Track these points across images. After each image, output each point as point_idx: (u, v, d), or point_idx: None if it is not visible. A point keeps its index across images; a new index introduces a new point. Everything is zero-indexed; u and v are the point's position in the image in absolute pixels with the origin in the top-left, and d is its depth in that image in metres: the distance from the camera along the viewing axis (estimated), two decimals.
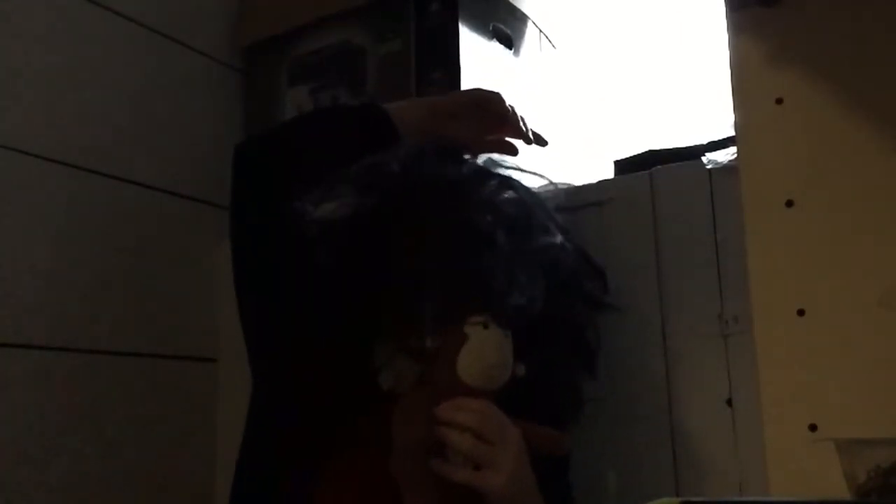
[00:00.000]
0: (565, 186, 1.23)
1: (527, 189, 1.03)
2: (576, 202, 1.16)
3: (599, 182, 1.18)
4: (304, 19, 1.47)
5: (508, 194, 0.99)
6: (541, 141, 1.13)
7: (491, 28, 1.40)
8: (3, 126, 1.19)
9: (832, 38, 0.85)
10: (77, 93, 1.30)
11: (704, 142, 1.12)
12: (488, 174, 1.01)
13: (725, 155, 1.05)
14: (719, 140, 1.09)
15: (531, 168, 1.10)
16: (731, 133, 0.95)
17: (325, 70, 1.45)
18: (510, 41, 1.45)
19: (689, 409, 1.04)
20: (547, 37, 1.56)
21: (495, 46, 1.41)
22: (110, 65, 1.36)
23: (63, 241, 1.25)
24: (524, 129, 1.10)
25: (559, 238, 0.99)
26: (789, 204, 0.84)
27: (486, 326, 0.90)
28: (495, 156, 1.09)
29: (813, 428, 0.80)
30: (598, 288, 1.05)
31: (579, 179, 1.26)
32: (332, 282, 0.97)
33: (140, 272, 1.35)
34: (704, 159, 1.07)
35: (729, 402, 1.01)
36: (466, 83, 1.30)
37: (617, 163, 1.23)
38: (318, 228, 0.99)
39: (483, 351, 0.89)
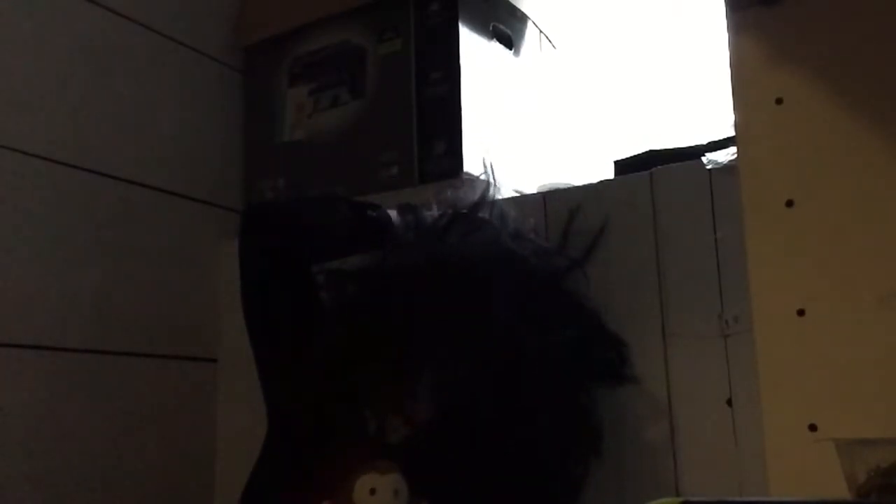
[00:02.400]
0: (565, 186, 1.24)
1: (547, 272, 1.05)
2: (575, 202, 1.16)
3: (599, 182, 1.18)
4: (304, 19, 1.48)
5: (529, 277, 1.01)
6: None
7: (491, 28, 1.40)
8: (3, 126, 1.19)
9: (832, 38, 0.85)
10: (77, 93, 1.30)
11: (704, 142, 1.12)
12: (506, 253, 1.03)
13: (725, 155, 1.05)
14: (719, 140, 1.09)
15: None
16: (731, 133, 0.94)
17: (325, 70, 1.46)
18: (510, 41, 1.45)
19: (689, 409, 1.04)
20: (547, 37, 1.56)
21: (495, 46, 1.41)
22: (110, 64, 1.36)
23: (62, 242, 1.25)
24: None
25: (578, 327, 1.01)
26: (789, 204, 0.84)
27: (373, 493, 0.88)
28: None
29: (813, 428, 0.79)
30: (616, 360, 1.05)
31: (579, 179, 1.26)
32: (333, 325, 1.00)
33: (140, 272, 1.35)
34: (704, 159, 1.07)
35: (729, 402, 1.01)
36: (466, 83, 1.30)
37: (617, 163, 1.23)
38: (331, 277, 1.03)
39: None
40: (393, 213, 1.06)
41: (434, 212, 1.07)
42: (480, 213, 1.06)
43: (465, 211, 1.06)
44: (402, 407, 0.97)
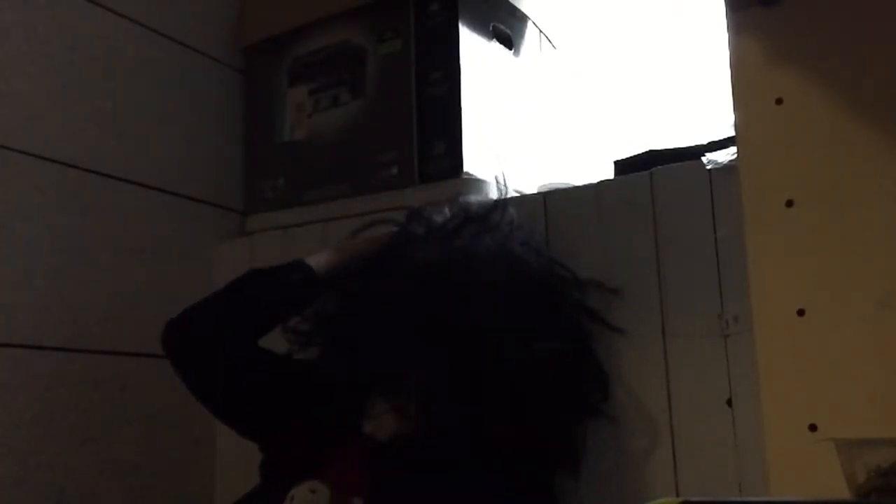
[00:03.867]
0: (565, 186, 1.24)
1: (549, 286, 1.06)
2: (576, 202, 1.16)
3: (599, 182, 1.18)
4: (304, 19, 1.48)
5: (519, 282, 1.02)
6: None
7: (491, 28, 1.40)
8: (2, 126, 1.19)
9: (832, 38, 0.85)
10: (77, 93, 1.30)
11: (704, 142, 1.11)
12: (512, 259, 1.03)
13: (725, 155, 1.05)
14: (719, 140, 1.09)
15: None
16: (731, 133, 0.95)
17: (325, 70, 1.45)
18: (510, 41, 1.45)
19: (689, 409, 1.04)
20: (547, 37, 1.56)
21: (495, 46, 1.41)
22: (110, 65, 1.36)
23: (63, 242, 1.25)
24: None
25: (558, 343, 1.01)
26: (789, 204, 0.84)
27: (291, 500, 0.93)
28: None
29: (813, 428, 0.79)
30: (596, 394, 1.06)
31: (579, 179, 1.26)
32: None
33: (140, 272, 1.35)
34: (704, 159, 1.07)
35: (729, 402, 1.01)
36: (466, 83, 1.30)
37: (617, 163, 1.23)
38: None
39: None
40: (320, 255, 1.07)
41: (446, 214, 1.07)
42: (491, 218, 1.06)
43: (476, 214, 1.07)
44: (395, 403, 0.98)
